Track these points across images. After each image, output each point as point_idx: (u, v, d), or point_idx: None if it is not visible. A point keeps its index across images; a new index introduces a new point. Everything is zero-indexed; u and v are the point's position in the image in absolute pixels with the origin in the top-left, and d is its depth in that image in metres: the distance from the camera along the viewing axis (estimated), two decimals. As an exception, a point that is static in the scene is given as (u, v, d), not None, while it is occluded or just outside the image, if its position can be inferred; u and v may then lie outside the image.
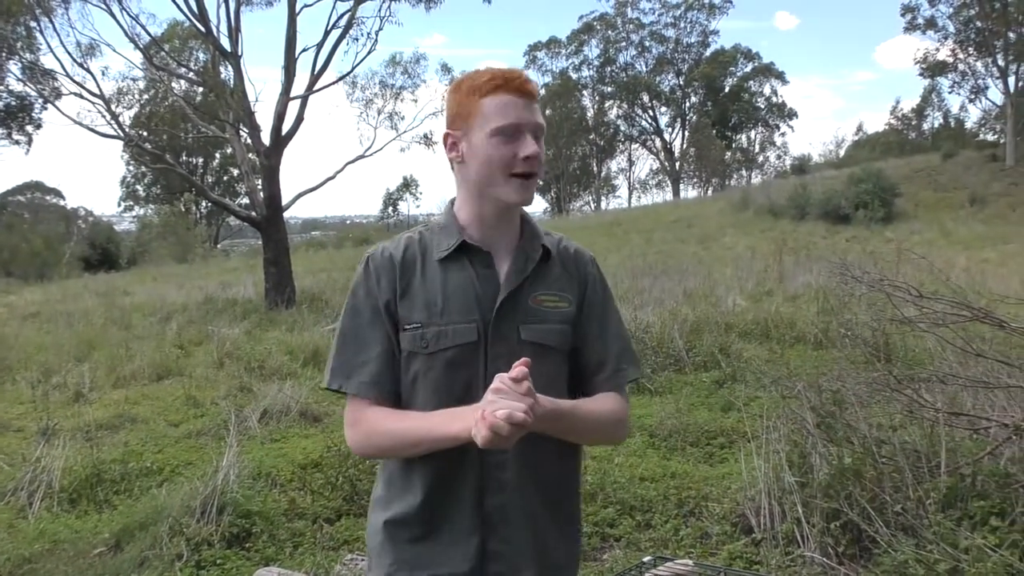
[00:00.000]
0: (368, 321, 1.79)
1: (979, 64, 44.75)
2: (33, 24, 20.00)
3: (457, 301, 1.77)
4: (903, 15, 45.21)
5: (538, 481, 1.80)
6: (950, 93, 54.32)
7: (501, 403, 1.53)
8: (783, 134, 70.62)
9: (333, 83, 20.78)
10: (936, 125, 62.17)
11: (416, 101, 27.60)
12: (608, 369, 1.88)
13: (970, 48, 44.07)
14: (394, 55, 23.48)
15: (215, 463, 5.17)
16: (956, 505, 3.86)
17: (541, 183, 1.64)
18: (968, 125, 58.42)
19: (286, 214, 18.70)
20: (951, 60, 45.43)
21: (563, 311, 1.83)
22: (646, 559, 2.20)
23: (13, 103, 48.52)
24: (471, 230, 1.82)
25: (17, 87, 44.47)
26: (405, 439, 1.73)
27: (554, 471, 1.84)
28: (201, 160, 56.84)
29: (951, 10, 43.56)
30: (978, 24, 42.97)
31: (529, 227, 1.88)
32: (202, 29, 17.71)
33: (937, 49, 45.68)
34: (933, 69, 46.95)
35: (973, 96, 47.25)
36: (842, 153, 66.45)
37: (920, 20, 44.64)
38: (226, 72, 19.06)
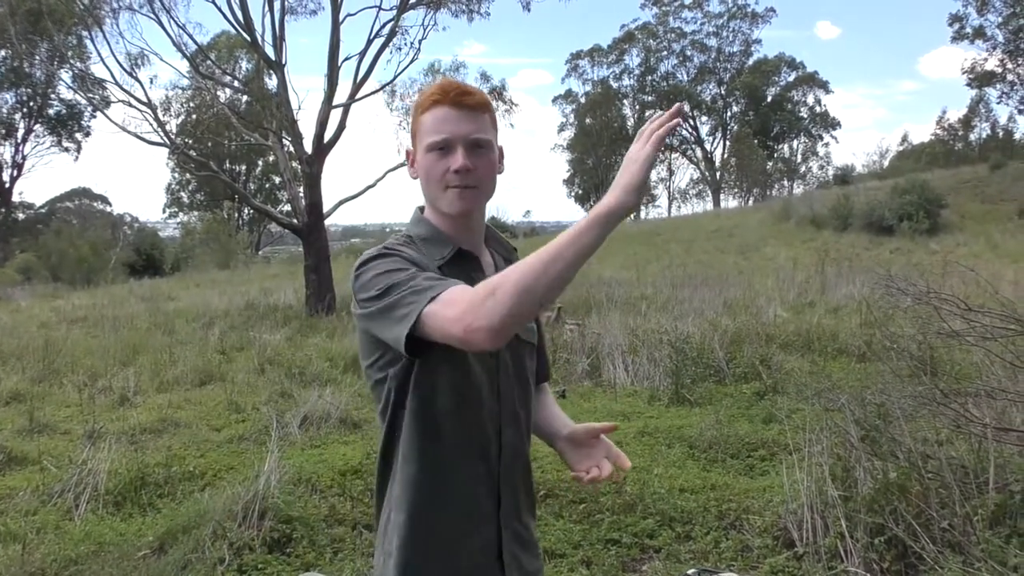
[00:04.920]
0: (408, 263, 1.69)
1: (1028, 74, 44.05)
2: (84, 33, 20.45)
3: None
4: (950, 24, 44.64)
5: (525, 477, 1.94)
6: (998, 103, 53.25)
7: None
8: (826, 144, 69.93)
9: (375, 92, 21.00)
10: (984, 136, 61.09)
11: (456, 109, 27.76)
12: (547, 360, 2.14)
13: (1019, 58, 43.32)
14: (433, 63, 23.64)
15: (256, 468, 5.22)
16: (1004, 522, 3.79)
17: (475, 192, 1.65)
18: (1017, 136, 57.42)
19: (327, 221, 18.90)
20: (1000, 70, 44.73)
21: None
22: (690, 572, 2.19)
23: (63, 111, 49.68)
24: (454, 237, 1.83)
25: (67, 95, 45.74)
26: (557, 257, 1.46)
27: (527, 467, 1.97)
28: (244, 168, 57.51)
29: (1000, 19, 42.87)
30: (1028, 33, 42.26)
31: (491, 231, 1.95)
32: (247, 38, 17.98)
33: (985, 59, 45.00)
34: (981, 79, 46.26)
35: (1022, 106, 46.48)
36: (886, 164, 65.50)
37: (968, 29, 44.02)
38: (270, 81, 19.42)
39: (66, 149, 51.77)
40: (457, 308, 1.51)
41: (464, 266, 1.81)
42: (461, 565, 1.81)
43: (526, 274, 1.47)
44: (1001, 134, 58.91)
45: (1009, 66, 44.15)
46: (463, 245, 1.83)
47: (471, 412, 1.79)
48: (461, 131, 1.76)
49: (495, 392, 1.83)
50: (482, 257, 1.88)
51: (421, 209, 1.90)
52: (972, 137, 62.06)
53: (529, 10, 21.62)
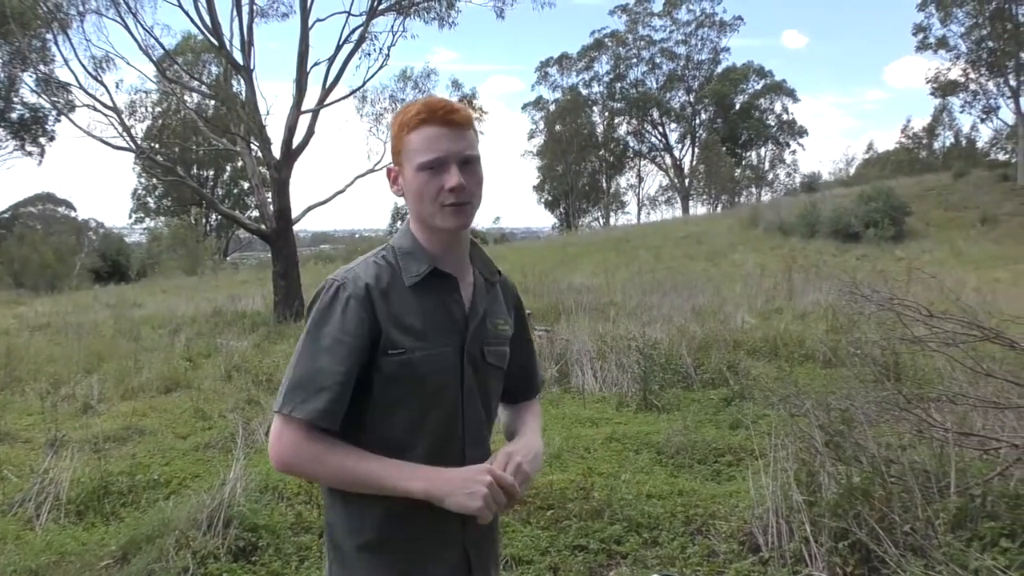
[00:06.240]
0: (331, 349, 1.74)
1: (991, 84, 44.68)
2: (48, 37, 20.21)
3: (434, 325, 1.82)
4: (915, 34, 45.28)
5: None
6: (961, 112, 54.20)
7: (499, 492, 1.72)
8: (793, 152, 70.71)
9: (344, 97, 20.90)
10: (947, 144, 62.03)
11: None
12: (533, 381, 2.18)
13: (982, 68, 43.97)
14: (404, 70, 23.58)
15: (222, 476, 5.17)
16: (966, 526, 3.84)
17: (478, 206, 1.75)
18: (979, 144, 58.33)
19: (296, 227, 18.79)
20: (963, 80, 45.35)
21: (507, 333, 1.99)
22: (653, 577, 2.19)
23: (27, 115, 48.83)
24: (434, 255, 1.86)
25: (31, 99, 45.00)
26: (357, 480, 1.73)
27: None
28: (212, 173, 57.03)
29: (963, 30, 43.55)
30: (990, 44, 42.92)
31: (477, 250, 1.97)
32: (215, 42, 17.85)
33: (948, 69, 45.63)
34: (944, 88, 46.90)
35: (984, 116, 47.13)
36: (852, 171, 66.41)
37: (932, 40, 44.69)
38: (238, 85, 19.21)
39: (29, 153, 50.70)
40: (290, 454, 1.73)
41: (438, 287, 1.85)
42: None
43: (336, 479, 1.75)
44: (964, 143, 59.86)
45: (972, 76, 44.82)
46: (441, 265, 1.86)
47: (433, 431, 1.81)
48: (453, 149, 1.78)
49: (460, 414, 1.85)
50: (463, 277, 1.90)
51: (408, 223, 1.93)
52: (936, 145, 63.05)
53: (503, 17, 21.62)
